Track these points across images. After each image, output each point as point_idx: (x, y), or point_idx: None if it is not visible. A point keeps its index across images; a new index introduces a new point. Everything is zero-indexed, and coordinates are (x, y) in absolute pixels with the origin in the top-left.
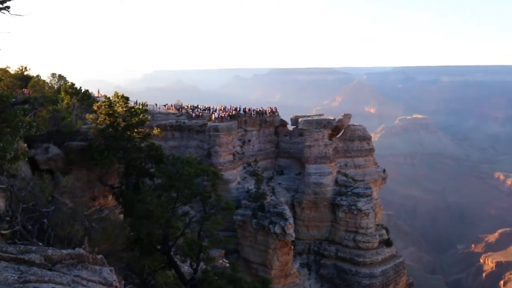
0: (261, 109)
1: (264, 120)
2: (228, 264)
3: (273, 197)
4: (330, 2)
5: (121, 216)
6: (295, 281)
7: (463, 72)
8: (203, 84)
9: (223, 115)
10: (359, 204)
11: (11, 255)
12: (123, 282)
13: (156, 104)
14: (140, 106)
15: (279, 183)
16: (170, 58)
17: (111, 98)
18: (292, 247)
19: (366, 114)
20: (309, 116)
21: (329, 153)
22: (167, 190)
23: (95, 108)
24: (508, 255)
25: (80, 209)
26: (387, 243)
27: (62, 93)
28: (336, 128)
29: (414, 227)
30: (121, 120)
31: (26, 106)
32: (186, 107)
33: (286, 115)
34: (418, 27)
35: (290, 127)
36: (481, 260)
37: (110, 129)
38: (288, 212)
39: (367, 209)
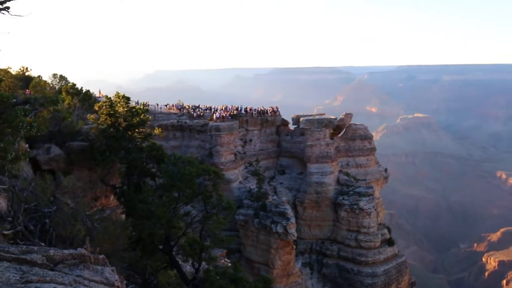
0: (262, 108)
1: (266, 119)
2: (230, 264)
3: (275, 197)
4: (331, 1)
5: (123, 216)
6: (297, 281)
7: (464, 71)
8: (204, 84)
9: (224, 115)
10: (361, 204)
11: (13, 255)
12: (125, 282)
13: (157, 104)
14: (141, 106)
15: (281, 183)
16: (171, 58)
17: (112, 98)
18: (294, 246)
19: (367, 113)
20: (310, 115)
21: (330, 153)
22: (169, 190)
23: (96, 108)
24: (510, 254)
25: (82, 209)
26: (389, 242)
27: (63, 93)
28: (337, 128)
29: (416, 226)
30: (122, 120)
31: (27, 106)
32: (187, 107)
33: (287, 115)
34: (419, 26)
35: (291, 127)
36: (484, 259)
37: (111, 129)
38: (290, 212)
39: (369, 208)
